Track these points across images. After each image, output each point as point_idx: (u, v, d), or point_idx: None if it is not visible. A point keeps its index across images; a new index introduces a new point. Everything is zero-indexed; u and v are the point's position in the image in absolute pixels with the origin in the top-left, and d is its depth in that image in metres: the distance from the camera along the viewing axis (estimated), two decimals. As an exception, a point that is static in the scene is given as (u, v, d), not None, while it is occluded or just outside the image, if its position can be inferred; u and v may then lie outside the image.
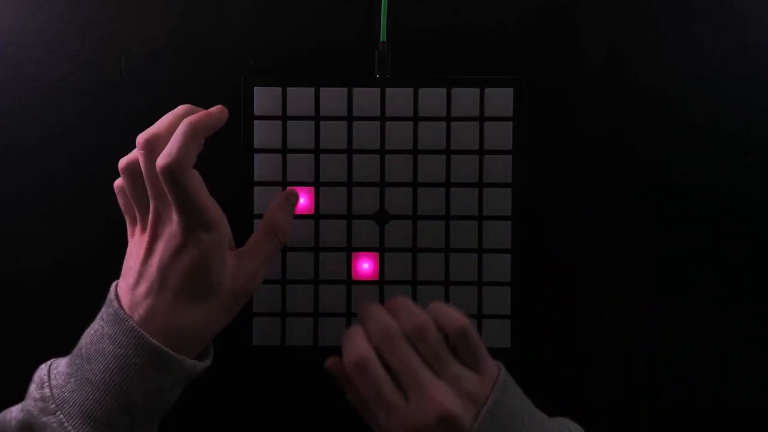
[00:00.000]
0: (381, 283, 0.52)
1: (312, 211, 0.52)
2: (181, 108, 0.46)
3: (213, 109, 0.46)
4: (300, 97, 0.52)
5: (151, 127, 0.44)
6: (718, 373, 0.54)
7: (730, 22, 0.53)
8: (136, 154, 0.44)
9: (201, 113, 0.45)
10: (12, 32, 0.53)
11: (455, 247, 0.52)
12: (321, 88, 0.52)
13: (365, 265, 0.52)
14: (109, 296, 0.44)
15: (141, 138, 0.43)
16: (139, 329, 0.42)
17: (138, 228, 0.45)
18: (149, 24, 0.53)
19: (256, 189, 0.52)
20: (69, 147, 0.54)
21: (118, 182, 0.46)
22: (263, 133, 0.52)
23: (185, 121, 0.43)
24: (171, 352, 0.42)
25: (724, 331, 0.54)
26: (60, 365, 0.43)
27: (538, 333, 0.54)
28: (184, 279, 0.43)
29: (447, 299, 0.52)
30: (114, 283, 0.45)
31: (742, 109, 0.53)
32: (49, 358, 0.45)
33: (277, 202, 0.49)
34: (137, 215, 0.45)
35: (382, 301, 0.52)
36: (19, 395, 0.44)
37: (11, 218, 0.54)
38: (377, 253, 0.52)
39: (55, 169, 0.54)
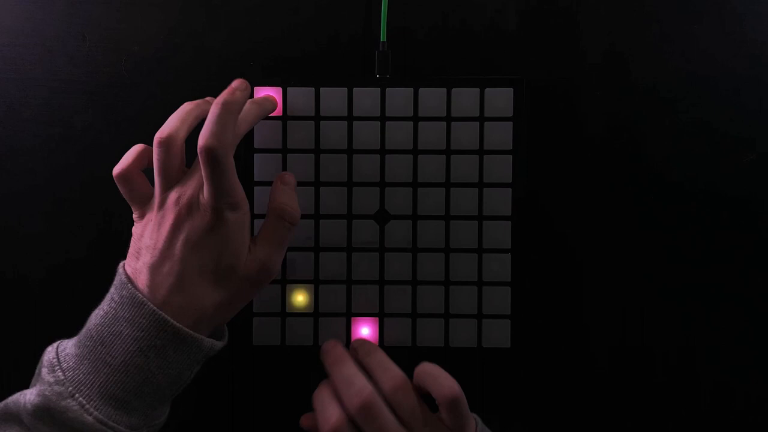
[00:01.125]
0: (381, 283, 0.52)
1: (312, 211, 0.52)
2: (187, 105, 0.46)
3: (235, 83, 0.45)
4: (300, 97, 0.52)
5: (167, 125, 0.44)
6: (718, 373, 0.54)
7: (730, 22, 0.53)
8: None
9: (231, 95, 0.44)
10: (12, 32, 0.53)
11: (455, 247, 0.52)
12: (321, 88, 0.52)
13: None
14: (119, 278, 0.44)
15: (160, 135, 0.44)
16: (160, 313, 0.42)
17: (154, 206, 0.44)
18: (149, 24, 0.53)
19: (256, 189, 0.52)
20: (69, 147, 0.54)
21: (119, 170, 0.45)
22: (263, 133, 0.52)
23: (218, 102, 0.43)
24: (192, 333, 0.42)
25: (724, 331, 0.54)
26: (67, 347, 0.43)
27: (538, 333, 0.54)
28: (209, 260, 0.43)
29: (447, 299, 0.52)
30: (121, 264, 0.45)
31: (742, 109, 0.53)
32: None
33: (276, 186, 0.49)
34: (159, 191, 0.44)
35: (382, 300, 0.52)
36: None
37: (11, 218, 0.54)
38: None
39: (55, 169, 0.54)
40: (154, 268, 0.43)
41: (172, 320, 0.42)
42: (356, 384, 0.44)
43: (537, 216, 0.53)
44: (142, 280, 0.43)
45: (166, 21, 0.53)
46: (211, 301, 0.44)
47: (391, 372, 0.45)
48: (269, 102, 0.50)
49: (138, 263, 0.44)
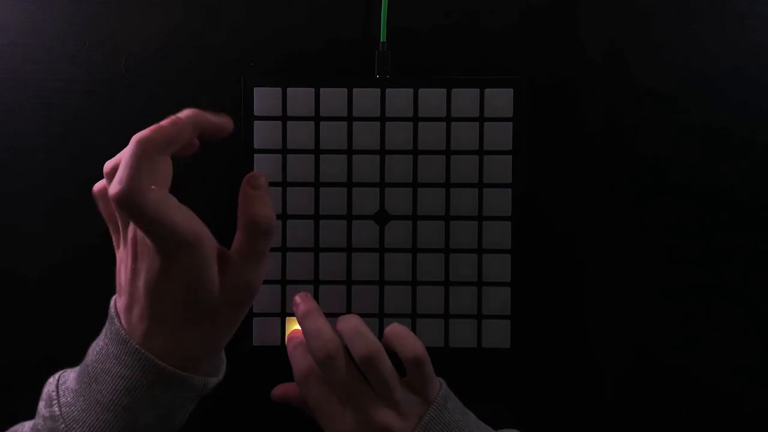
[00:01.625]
0: (381, 284, 0.52)
1: (312, 212, 0.52)
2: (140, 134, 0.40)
3: (164, 121, 0.40)
4: (300, 97, 0.52)
5: (117, 156, 0.41)
6: (719, 373, 0.54)
7: (730, 22, 0.53)
8: (101, 182, 0.43)
9: (150, 128, 0.40)
10: (12, 32, 0.53)
11: (455, 248, 0.52)
12: (321, 88, 0.52)
13: None
14: (110, 312, 0.42)
15: (106, 167, 0.41)
16: (143, 351, 0.40)
17: (121, 241, 0.43)
18: (149, 24, 0.53)
19: (256, 189, 0.52)
20: (69, 147, 0.54)
21: (98, 188, 0.44)
22: (263, 133, 0.52)
23: (133, 141, 0.38)
24: (178, 371, 0.40)
25: (725, 331, 0.54)
26: (68, 380, 0.42)
27: (538, 333, 0.54)
28: (174, 303, 0.40)
29: (447, 299, 0.52)
30: (113, 298, 0.43)
31: (743, 109, 0.53)
32: (48, 360, 0.45)
33: (243, 192, 0.43)
34: (119, 231, 0.43)
35: (382, 300, 0.52)
36: (19, 395, 0.44)
37: (11, 218, 0.54)
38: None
39: (55, 169, 0.54)
40: (127, 312, 0.41)
41: (155, 359, 0.40)
42: (324, 336, 0.45)
43: (537, 216, 0.53)
44: (124, 320, 0.41)
45: (166, 21, 0.53)
46: (192, 335, 0.41)
47: (367, 339, 0.45)
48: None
49: (119, 302, 0.42)
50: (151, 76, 0.53)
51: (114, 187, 0.37)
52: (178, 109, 0.48)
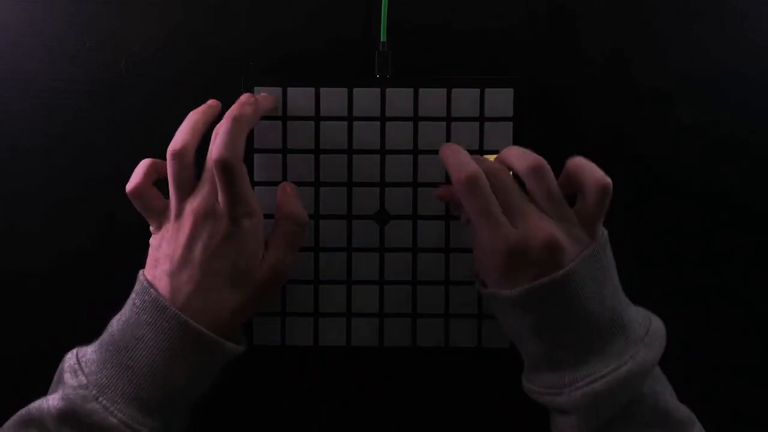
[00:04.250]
0: (381, 283, 0.52)
1: (312, 211, 0.52)
2: (193, 115, 0.47)
3: (250, 99, 0.47)
4: (300, 97, 0.52)
5: (178, 138, 0.45)
6: (719, 373, 0.54)
7: (730, 22, 0.53)
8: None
9: (241, 105, 0.46)
10: (12, 32, 0.53)
11: (455, 247, 0.52)
12: (321, 88, 0.52)
13: None
14: (140, 284, 0.45)
15: (173, 148, 0.45)
16: (183, 316, 0.43)
17: (171, 216, 0.46)
18: (149, 24, 0.53)
19: (256, 189, 0.52)
20: (69, 147, 0.54)
21: (132, 187, 0.46)
22: (263, 133, 0.52)
23: (230, 116, 0.45)
24: (214, 336, 0.43)
25: (725, 331, 0.54)
26: (87, 353, 0.44)
27: (538, 333, 0.54)
28: (227, 266, 0.44)
29: (447, 299, 0.52)
30: (141, 272, 0.46)
31: (742, 109, 0.53)
32: (48, 358, 0.45)
33: (282, 193, 0.50)
34: (175, 201, 0.45)
35: (382, 300, 0.52)
36: (19, 394, 0.44)
37: (11, 218, 0.54)
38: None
39: (55, 169, 0.54)
40: (174, 275, 0.44)
41: (194, 323, 0.43)
42: (464, 161, 0.45)
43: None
44: (162, 287, 0.44)
45: (166, 21, 0.53)
46: (230, 305, 0.45)
47: (530, 153, 0.45)
48: (267, 102, 0.50)
49: (157, 271, 0.45)
50: (151, 76, 0.53)
51: (220, 151, 0.43)
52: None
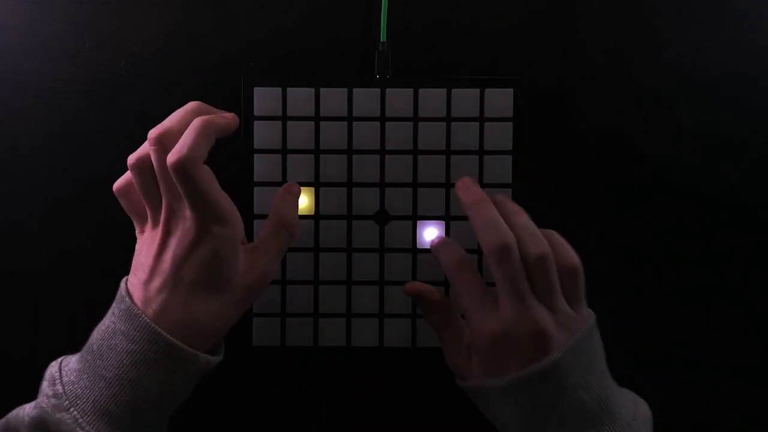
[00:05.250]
0: (381, 283, 0.52)
1: (312, 211, 0.52)
2: (191, 104, 0.46)
3: (226, 113, 0.47)
4: (300, 97, 0.52)
5: (163, 123, 0.44)
6: (719, 373, 0.54)
7: (730, 22, 0.53)
8: (145, 149, 0.44)
9: (214, 115, 0.45)
10: (12, 32, 0.53)
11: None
12: (321, 88, 0.52)
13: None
14: (119, 292, 0.44)
15: (152, 133, 0.43)
16: (153, 325, 0.42)
17: (149, 224, 0.45)
18: (149, 24, 0.53)
19: (256, 189, 0.52)
20: (69, 147, 0.54)
21: (118, 185, 0.46)
22: (263, 133, 0.52)
23: (198, 119, 0.43)
24: (185, 347, 0.42)
25: (725, 331, 0.54)
26: (71, 362, 0.43)
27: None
28: (199, 273, 0.43)
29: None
30: (124, 279, 0.45)
31: (742, 109, 0.53)
32: (48, 358, 0.45)
33: (280, 195, 0.49)
34: (148, 211, 0.45)
35: (382, 300, 0.52)
36: (19, 394, 0.44)
37: (11, 218, 0.54)
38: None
39: (55, 169, 0.54)
40: (146, 284, 0.43)
41: (164, 333, 0.41)
42: (500, 225, 0.44)
43: (537, 216, 0.53)
44: (137, 296, 0.43)
45: (166, 21, 0.53)
46: (204, 312, 0.43)
47: (539, 240, 0.44)
48: (234, 121, 0.48)
49: (135, 279, 0.44)
50: (151, 76, 0.53)
51: (174, 155, 0.41)
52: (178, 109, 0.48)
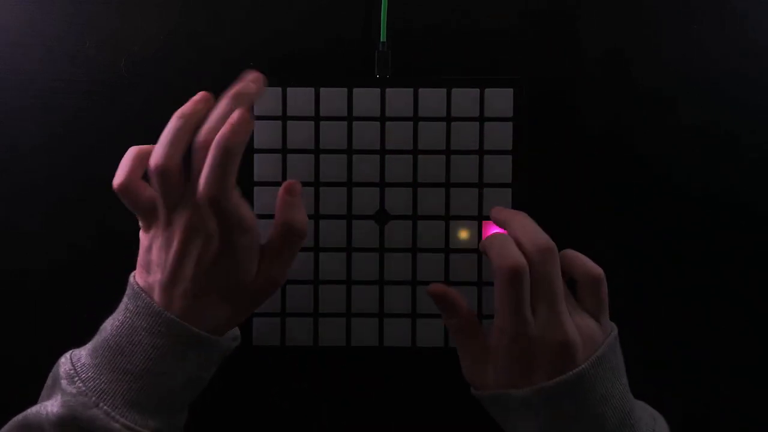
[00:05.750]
0: (381, 283, 0.52)
1: (312, 211, 0.52)
2: (173, 122, 0.44)
3: (239, 118, 0.43)
4: (300, 97, 0.52)
5: (160, 151, 0.43)
6: (719, 373, 0.54)
7: (730, 22, 0.53)
8: (124, 172, 0.44)
9: (230, 130, 0.42)
10: (12, 32, 0.53)
11: (455, 247, 0.52)
12: (321, 88, 0.52)
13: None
14: (132, 288, 0.44)
15: (155, 165, 0.43)
16: (179, 321, 0.42)
17: (160, 222, 0.44)
18: (149, 24, 0.53)
19: (256, 189, 0.52)
20: (69, 147, 0.54)
21: (119, 183, 0.44)
22: (263, 133, 0.52)
23: (218, 145, 0.42)
24: (211, 336, 0.44)
25: (725, 331, 0.54)
26: (81, 357, 0.43)
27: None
28: (221, 281, 0.44)
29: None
30: (132, 275, 0.45)
31: (742, 109, 0.53)
32: (48, 358, 0.44)
33: (282, 198, 0.47)
34: (162, 210, 0.44)
35: (382, 300, 0.52)
36: (19, 394, 0.44)
37: (11, 218, 0.54)
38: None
39: (55, 169, 0.54)
40: (166, 287, 0.43)
41: (191, 327, 0.43)
42: (539, 231, 0.45)
43: (537, 216, 0.53)
44: (156, 295, 0.44)
45: (166, 21, 0.53)
46: (221, 314, 0.44)
47: (589, 265, 0.45)
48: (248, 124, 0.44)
49: (150, 278, 0.44)
50: (151, 76, 0.53)
51: (205, 192, 0.42)
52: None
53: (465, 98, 0.52)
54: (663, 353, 0.54)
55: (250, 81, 0.45)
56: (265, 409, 0.54)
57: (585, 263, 0.45)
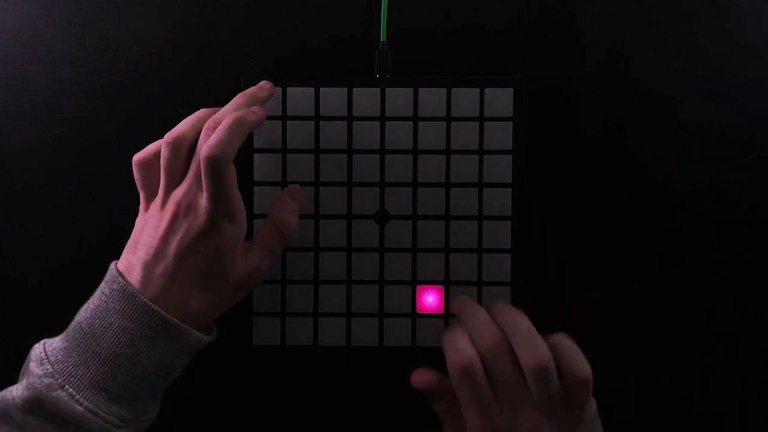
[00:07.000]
0: (381, 283, 0.52)
1: (312, 211, 0.52)
2: (202, 111, 0.47)
3: (255, 108, 0.47)
4: (300, 97, 0.52)
5: (178, 127, 0.45)
6: (719, 373, 0.54)
7: (730, 22, 0.53)
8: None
9: (246, 110, 0.46)
10: (12, 32, 0.53)
11: (455, 247, 0.52)
12: (321, 88, 0.52)
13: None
14: (110, 273, 0.45)
15: (169, 136, 0.45)
16: (150, 304, 0.43)
17: (157, 203, 0.45)
18: (149, 24, 0.53)
19: (256, 189, 0.52)
20: (69, 147, 0.54)
21: (140, 156, 0.46)
22: (263, 133, 0.52)
23: (232, 116, 0.44)
24: (182, 324, 0.43)
25: (724, 332, 0.54)
26: (54, 342, 0.44)
27: (538, 332, 0.54)
28: (201, 264, 0.44)
29: (447, 299, 0.52)
30: (113, 262, 0.46)
31: (742, 109, 0.53)
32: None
33: (281, 197, 0.49)
34: (162, 190, 0.45)
35: (381, 300, 0.52)
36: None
37: (11, 218, 0.54)
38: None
39: (55, 169, 0.54)
40: (148, 266, 0.44)
41: (162, 311, 0.43)
42: (491, 328, 0.44)
43: (537, 216, 0.53)
44: (135, 275, 0.44)
45: (166, 21, 0.53)
46: (198, 302, 0.44)
47: (539, 348, 0.43)
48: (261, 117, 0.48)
49: (134, 258, 0.45)
50: (151, 76, 0.53)
51: (209, 149, 0.43)
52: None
53: (465, 98, 0.52)
54: (662, 353, 0.54)
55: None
56: (265, 409, 0.54)
57: (574, 362, 0.43)
